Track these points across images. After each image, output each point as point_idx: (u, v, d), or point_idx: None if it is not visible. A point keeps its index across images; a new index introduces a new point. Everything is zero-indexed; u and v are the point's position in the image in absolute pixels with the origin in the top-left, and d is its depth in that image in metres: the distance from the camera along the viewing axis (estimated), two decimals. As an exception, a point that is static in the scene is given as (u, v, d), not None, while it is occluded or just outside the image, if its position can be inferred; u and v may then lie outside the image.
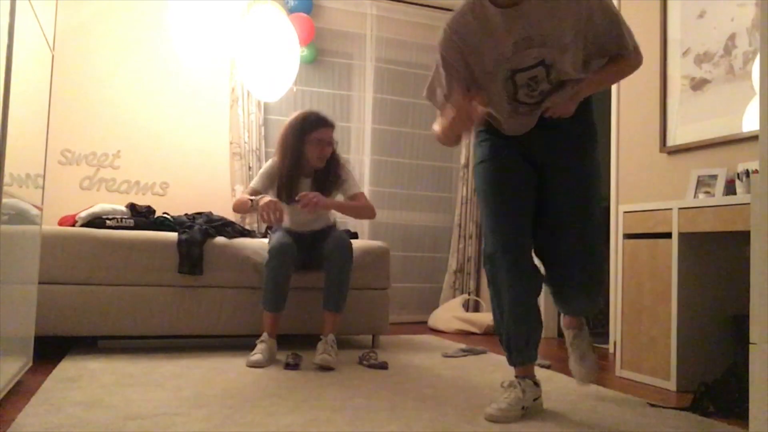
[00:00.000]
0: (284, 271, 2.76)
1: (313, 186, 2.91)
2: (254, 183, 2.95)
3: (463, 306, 4.55)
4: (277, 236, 2.86)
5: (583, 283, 1.97)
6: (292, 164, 2.87)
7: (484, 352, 3.18)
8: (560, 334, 4.19)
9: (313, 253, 2.96)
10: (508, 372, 2.09)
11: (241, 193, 3.02)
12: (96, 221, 3.04)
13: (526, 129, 1.95)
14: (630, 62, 1.86)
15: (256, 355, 2.65)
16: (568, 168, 1.95)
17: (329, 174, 2.95)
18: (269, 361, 2.69)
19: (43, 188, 2.35)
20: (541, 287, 1.99)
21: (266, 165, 2.98)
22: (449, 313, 4.36)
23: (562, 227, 1.95)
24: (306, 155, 2.87)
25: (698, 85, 3.05)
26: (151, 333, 2.94)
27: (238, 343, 3.17)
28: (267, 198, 2.70)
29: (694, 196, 2.87)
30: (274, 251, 2.76)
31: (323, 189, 2.89)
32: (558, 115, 1.87)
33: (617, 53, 1.84)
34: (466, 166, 4.79)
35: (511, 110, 1.90)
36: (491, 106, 1.92)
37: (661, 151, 3.25)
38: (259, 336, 2.82)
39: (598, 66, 1.89)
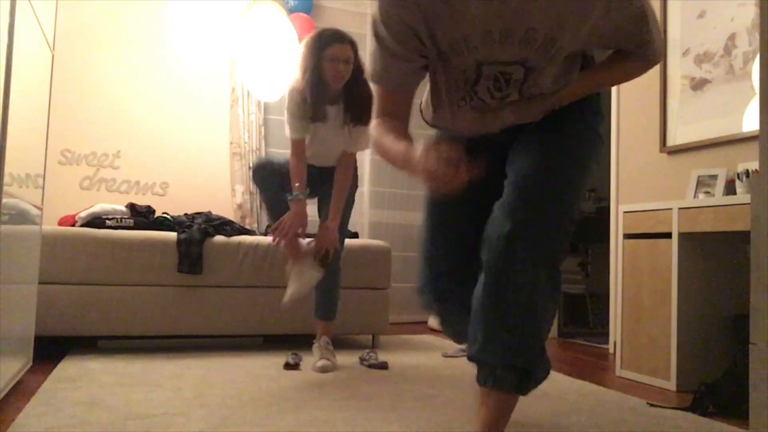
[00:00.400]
0: (271, 183, 2.67)
1: (345, 116, 2.68)
2: (294, 133, 2.69)
3: (463, 306, 4.55)
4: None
5: (520, 236, 1.30)
6: (314, 85, 2.61)
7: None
8: (560, 334, 4.19)
9: (324, 187, 2.81)
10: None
11: (292, 154, 2.70)
12: (96, 221, 3.04)
13: (482, 132, 1.48)
14: (647, 65, 1.39)
15: (289, 289, 2.57)
16: (541, 136, 1.42)
17: (360, 104, 2.65)
18: (308, 285, 2.60)
19: (43, 188, 2.35)
20: None
21: (288, 105, 2.69)
22: (449, 313, 4.36)
23: (517, 177, 1.38)
24: (324, 76, 2.60)
25: (698, 85, 3.05)
26: (151, 333, 2.94)
27: (238, 343, 3.18)
28: (293, 214, 2.58)
29: (694, 196, 2.87)
30: (254, 170, 2.74)
31: (355, 119, 2.67)
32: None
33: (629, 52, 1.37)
34: (466, 166, 4.79)
35: (459, 97, 1.42)
36: (435, 84, 1.45)
37: (661, 151, 3.25)
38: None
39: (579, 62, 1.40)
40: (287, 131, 2.71)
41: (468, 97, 1.40)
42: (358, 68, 2.67)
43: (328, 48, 2.59)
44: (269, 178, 2.69)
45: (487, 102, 1.39)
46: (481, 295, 1.33)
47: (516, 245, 1.28)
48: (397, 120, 1.40)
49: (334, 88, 2.63)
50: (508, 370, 1.29)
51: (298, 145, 2.68)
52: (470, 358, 1.37)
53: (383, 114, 1.41)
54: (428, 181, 1.15)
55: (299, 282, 2.60)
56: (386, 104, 1.41)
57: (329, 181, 2.77)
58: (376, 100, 1.42)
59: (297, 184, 2.62)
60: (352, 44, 2.64)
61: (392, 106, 1.40)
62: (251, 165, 4.20)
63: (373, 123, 1.42)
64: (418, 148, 1.18)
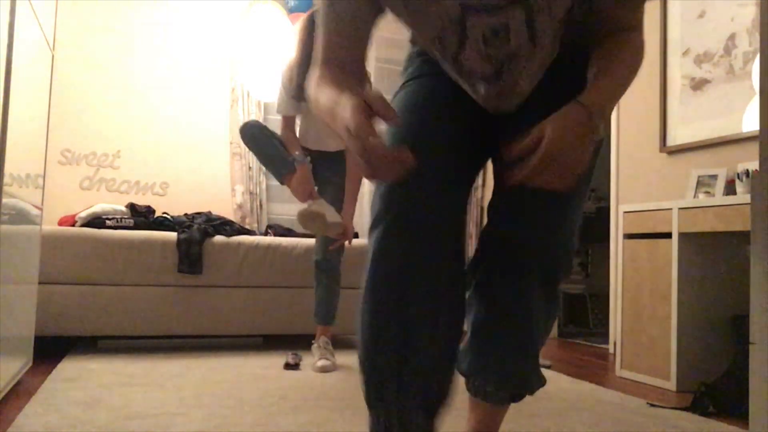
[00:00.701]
0: (260, 135, 2.67)
1: None
2: (278, 108, 2.71)
3: (463, 306, 4.55)
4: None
5: (545, 262, 1.06)
6: (306, 64, 2.55)
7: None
8: (560, 334, 4.19)
9: (323, 173, 2.78)
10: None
11: (282, 128, 2.75)
12: (96, 221, 3.04)
13: (490, 108, 1.10)
14: (641, 40, 1.03)
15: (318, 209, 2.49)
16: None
17: None
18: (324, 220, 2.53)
19: (43, 188, 2.35)
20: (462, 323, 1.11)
21: (282, 80, 2.68)
22: (449, 313, 4.36)
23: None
24: None
25: (698, 85, 3.05)
26: (151, 333, 2.94)
27: (238, 343, 3.18)
28: (299, 178, 2.59)
29: (694, 196, 2.87)
30: (241, 129, 2.73)
31: None
32: (546, 182, 0.93)
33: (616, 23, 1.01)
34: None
35: (450, 71, 1.07)
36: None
37: (661, 151, 3.25)
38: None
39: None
40: (280, 105, 2.72)
41: (455, 68, 1.03)
42: None
43: None
44: (257, 133, 2.69)
45: (482, 72, 1.02)
46: (473, 314, 1.13)
47: (515, 263, 1.07)
48: (343, 70, 1.04)
49: None
50: (501, 389, 1.15)
51: (286, 120, 2.73)
52: (459, 372, 1.17)
53: (327, 62, 1.05)
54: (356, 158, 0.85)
55: (326, 209, 2.55)
56: (331, 47, 1.04)
57: (328, 168, 2.74)
58: (319, 43, 1.06)
59: (296, 153, 2.64)
60: None
61: (338, 49, 1.04)
62: (251, 164, 4.21)
63: (313, 73, 1.06)
64: (351, 102, 0.84)
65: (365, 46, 1.07)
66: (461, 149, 1.09)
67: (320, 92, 1.00)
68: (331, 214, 2.53)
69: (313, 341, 2.75)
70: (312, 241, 3.07)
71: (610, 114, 0.97)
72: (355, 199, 2.72)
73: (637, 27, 1.02)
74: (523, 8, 0.92)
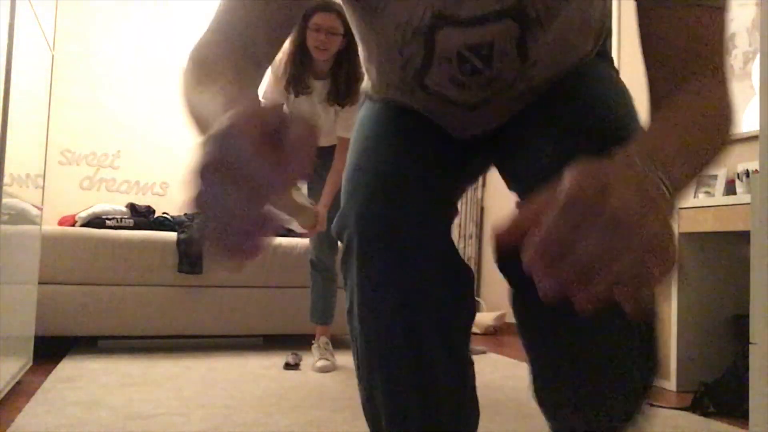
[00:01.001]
0: None
1: (329, 96, 2.57)
2: (270, 98, 2.67)
3: (463, 306, 4.54)
4: None
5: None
6: (296, 55, 2.51)
7: (483, 352, 3.18)
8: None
9: (315, 170, 2.70)
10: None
11: None
12: (96, 221, 3.04)
13: (458, 129, 0.86)
14: (724, 93, 0.67)
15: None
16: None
17: (345, 83, 2.55)
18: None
19: (43, 188, 2.35)
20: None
21: (272, 70, 2.60)
22: (449, 313, 4.36)
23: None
24: (309, 47, 2.49)
25: (698, 85, 3.05)
26: (151, 333, 2.94)
27: (238, 343, 3.18)
28: None
29: (694, 196, 2.87)
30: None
31: (338, 98, 2.56)
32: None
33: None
34: (466, 166, 4.77)
35: (404, 89, 0.82)
36: (372, 64, 0.85)
37: (661, 151, 3.25)
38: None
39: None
40: (262, 94, 2.63)
41: (410, 88, 0.81)
42: (350, 44, 2.50)
43: (312, 16, 2.46)
44: None
45: (453, 98, 0.79)
46: (530, 346, 0.84)
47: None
48: (235, 50, 0.70)
49: (320, 60, 2.51)
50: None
51: None
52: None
53: (216, 32, 0.74)
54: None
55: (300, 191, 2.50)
56: (223, 15, 0.75)
57: (318, 164, 2.68)
58: (216, 9, 0.75)
59: None
60: (340, 15, 2.47)
61: (234, 18, 0.73)
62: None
63: (191, 52, 0.69)
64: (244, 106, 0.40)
65: (273, 26, 0.73)
66: (443, 167, 0.83)
67: (194, 87, 0.60)
68: (302, 198, 2.46)
69: (313, 341, 2.75)
70: (312, 241, 3.07)
71: (678, 181, 0.53)
72: (334, 191, 2.56)
73: (714, 70, 0.66)
74: (517, 22, 0.69)
